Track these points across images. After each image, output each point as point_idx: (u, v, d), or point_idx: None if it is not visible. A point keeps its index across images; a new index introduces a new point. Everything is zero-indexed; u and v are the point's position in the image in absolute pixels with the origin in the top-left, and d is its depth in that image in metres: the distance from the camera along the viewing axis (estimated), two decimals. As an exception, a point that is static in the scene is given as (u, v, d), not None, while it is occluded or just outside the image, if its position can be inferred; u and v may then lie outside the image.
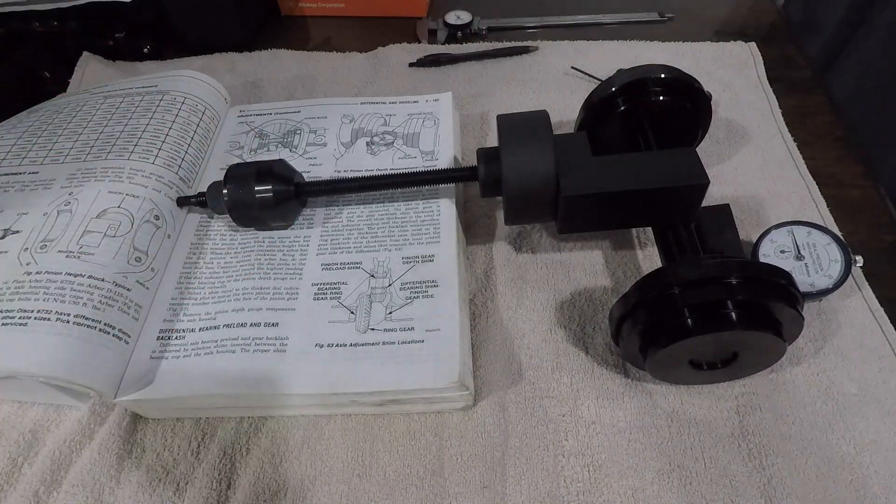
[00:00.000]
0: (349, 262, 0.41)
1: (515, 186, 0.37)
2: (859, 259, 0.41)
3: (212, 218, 0.45)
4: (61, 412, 0.38)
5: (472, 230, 0.47)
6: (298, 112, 0.52)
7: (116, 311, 0.36)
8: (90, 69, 0.61)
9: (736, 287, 0.32)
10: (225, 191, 0.41)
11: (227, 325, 0.38)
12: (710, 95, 0.44)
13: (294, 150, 0.49)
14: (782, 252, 0.41)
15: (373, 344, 0.37)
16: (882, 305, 0.41)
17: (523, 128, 0.38)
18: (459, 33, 0.65)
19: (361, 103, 0.52)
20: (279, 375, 0.36)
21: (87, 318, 0.35)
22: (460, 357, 0.35)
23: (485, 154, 0.40)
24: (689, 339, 0.32)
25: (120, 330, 0.36)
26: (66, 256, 0.37)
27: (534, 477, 0.35)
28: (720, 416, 0.37)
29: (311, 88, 0.60)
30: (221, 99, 0.52)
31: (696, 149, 0.41)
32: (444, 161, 0.47)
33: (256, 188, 0.40)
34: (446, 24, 0.66)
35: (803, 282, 0.39)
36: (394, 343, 0.37)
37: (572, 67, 0.59)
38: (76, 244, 0.38)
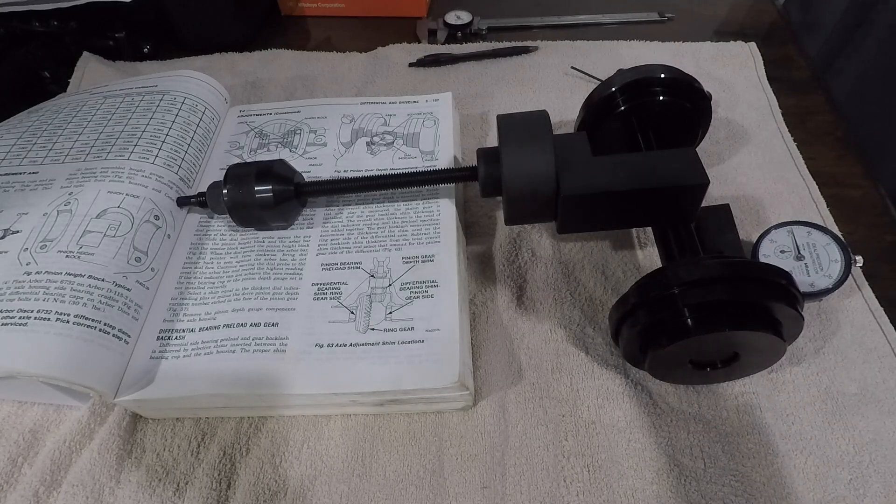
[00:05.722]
0: (349, 262, 0.41)
1: (515, 186, 0.37)
2: (859, 259, 0.41)
3: (212, 218, 0.45)
4: (61, 412, 0.38)
5: (472, 230, 0.47)
6: (298, 112, 0.52)
7: (116, 311, 0.36)
8: (90, 69, 0.61)
9: (736, 287, 0.32)
10: (225, 191, 0.41)
11: (227, 325, 0.38)
12: (710, 95, 0.44)
13: (294, 150, 0.49)
14: (782, 252, 0.41)
15: (373, 344, 0.37)
16: (882, 305, 0.41)
17: (523, 128, 0.38)
18: (459, 33, 0.65)
19: (361, 103, 0.52)
20: (279, 375, 0.36)
21: (87, 318, 0.35)
22: (460, 357, 0.35)
23: (485, 154, 0.40)
24: (689, 339, 0.32)
25: (120, 330, 0.36)
26: (66, 256, 0.37)
27: (534, 477, 0.35)
28: (720, 416, 0.37)
29: (311, 88, 0.60)
30: (221, 99, 0.52)
31: (696, 149, 0.41)
32: (444, 161, 0.47)
33: (256, 188, 0.40)
34: (446, 24, 0.66)
35: (803, 282, 0.39)
36: (394, 343, 0.36)
37: (572, 67, 0.59)
38: (76, 244, 0.38)
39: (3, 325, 0.34)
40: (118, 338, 0.36)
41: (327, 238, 0.43)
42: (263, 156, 0.49)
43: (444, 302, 0.38)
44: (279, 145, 0.50)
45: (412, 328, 0.37)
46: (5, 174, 0.44)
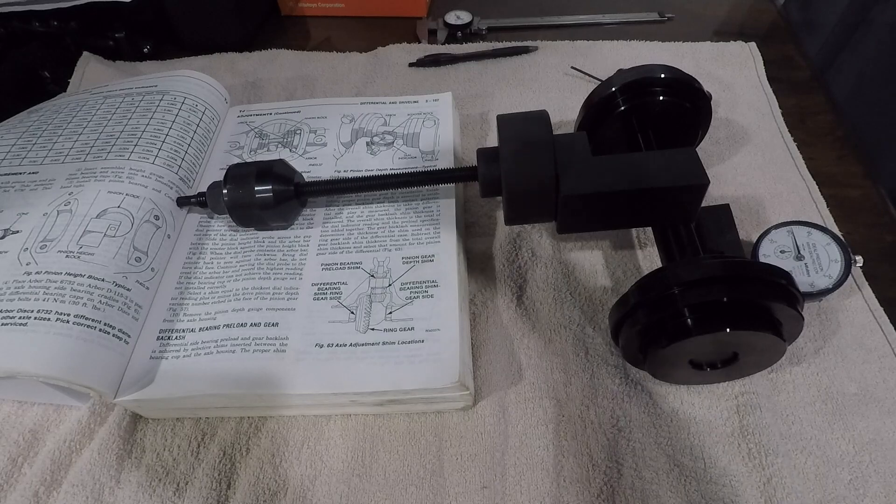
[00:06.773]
0: (349, 262, 0.41)
1: (515, 186, 0.37)
2: (859, 259, 0.41)
3: (212, 218, 0.45)
4: (61, 412, 0.38)
5: (472, 230, 0.47)
6: (298, 112, 0.52)
7: (116, 311, 0.36)
8: (90, 69, 0.61)
9: (736, 287, 0.32)
10: (225, 191, 0.41)
11: (227, 325, 0.38)
12: (710, 95, 0.44)
13: (294, 150, 0.49)
14: (782, 252, 0.41)
15: (373, 344, 0.37)
16: (882, 305, 0.41)
17: (523, 128, 0.38)
18: (459, 33, 0.65)
19: (361, 103, 0.52)
20: (279, 375, 0.36)
21: (87, 318, 0.35)
22: (460, 357, 0.35)
23: (485, 154, 0.40)
24: (689, 339, 0.32)
25: (120, 330, 0.36)
26: (66, 256, 0.37)
27: (534, 477, 0.35)
28: (720, 416, 0.37)
29: (311, 88, 0.60)
30: (221, 99, 0.52)
31: (696, 149, 0.41)
32: (444, 161, 0.47)
33: (256, 188, 0.40)
34: (446, 24, 0.66)
35: (803, 282, 0.39)
36: (394, 343, 0.37)
37: (572, 67, 0.59)
38: (76, 244, 0.38)
39: (3, 325, 0.34)
40: (118, 338, 0.36)
41: (327, 238, 0.43)
42: (263, 156, 0.49)
43: (444, 302, 0.38)
44: (279, 145, 0.50)
45: (412, 328, 0.37)
46: (5, 174, 0.44)
